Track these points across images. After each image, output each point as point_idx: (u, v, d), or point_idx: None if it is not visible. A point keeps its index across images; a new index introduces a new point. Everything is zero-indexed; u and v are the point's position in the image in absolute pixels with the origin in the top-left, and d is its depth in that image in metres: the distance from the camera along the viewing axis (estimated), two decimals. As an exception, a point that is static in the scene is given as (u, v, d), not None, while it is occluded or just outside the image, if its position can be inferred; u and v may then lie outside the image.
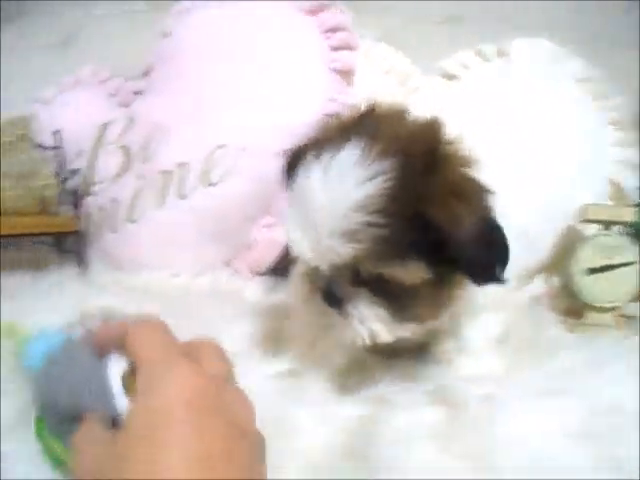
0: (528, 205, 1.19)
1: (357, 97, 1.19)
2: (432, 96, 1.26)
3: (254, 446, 0.43)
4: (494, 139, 1.20)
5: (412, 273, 0.63)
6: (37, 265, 1.12)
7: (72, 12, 1.51)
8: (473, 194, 0.64)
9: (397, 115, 0.68)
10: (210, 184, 1.11)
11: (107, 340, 0.49)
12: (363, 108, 0.68)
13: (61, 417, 0.49)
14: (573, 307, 1.12)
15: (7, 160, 1.14)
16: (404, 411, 0.65)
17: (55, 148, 1.21)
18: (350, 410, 0.67)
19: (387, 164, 0.60)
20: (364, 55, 1.25)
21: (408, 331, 0.67)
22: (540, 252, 1.20)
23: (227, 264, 1.15)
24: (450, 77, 1.28)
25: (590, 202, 1.14)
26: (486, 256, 0.63)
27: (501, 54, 1.28)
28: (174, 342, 0.47)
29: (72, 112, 1.26)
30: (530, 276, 1.22)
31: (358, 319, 0.65)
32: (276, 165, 0.73)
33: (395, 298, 0.65)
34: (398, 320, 0.66)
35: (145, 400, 0.42)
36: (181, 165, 1.13)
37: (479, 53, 1.28)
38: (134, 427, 0.41)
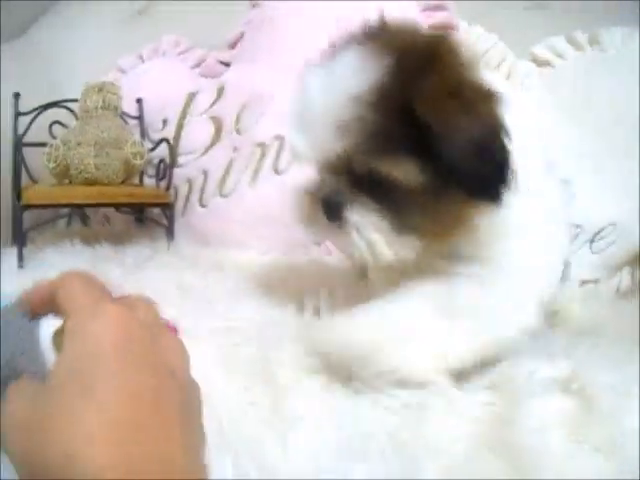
0: (623, 196, 1.17)
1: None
2: (525, 82, 1.24)
3: (184, 389, 0.40)
4: (590, 130, 1.18)
5: (404, 171, 0.60)
6: (124, 237, 1.07)
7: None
8: (473, 97, 0.60)
9: (405, 26, 0.67)
10: (308, 159, 1.07)
11: (39, 301, 0.46)
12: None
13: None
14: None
15: (92, 126, 1.08)
16: (534, 399, 0.61)
17: (138, 117, 1.15)
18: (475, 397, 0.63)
19: (384, 61, 0.60)
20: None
21: (409, 247, 0.64)
22: (631, 245, 1.19)
23: (318, 244, 1.10)
24: (541, 63, 1.25)
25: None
26: (481, 166, 0.58)
27: (593, 42, 1.25)
28: (104, 291, 0.44)
29: (154, 81, 1.21)
30: (619, 268, 1.20)
31: (356, 228, 0.63)
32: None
33: (394, 205, 0.62)
34: (397, 231, 0.63)
35: (72, 345, 0.39)
36: (278, 138, 1.08)
37: (571, 40, 1.26)
38: (60, 374, 0.38)
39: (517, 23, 1.36)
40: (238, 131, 1.12)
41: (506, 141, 0.59)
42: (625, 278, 1.20)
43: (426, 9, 1.13)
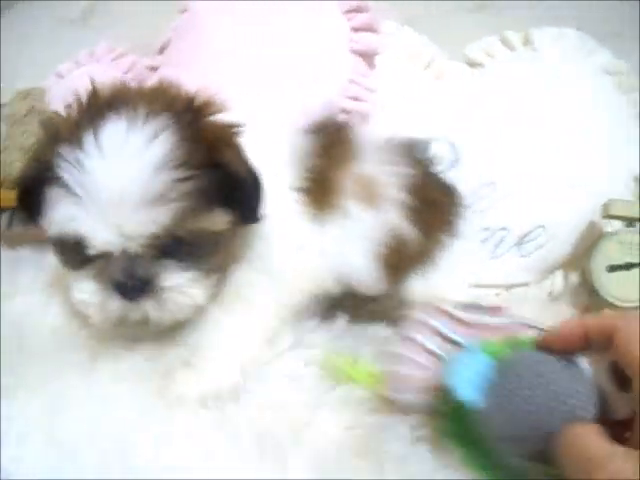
0: (551, 199, 1.16)
1: (379, 81, 1.16)
2: (456, 83, 1.23)
3: None
4: (518, 130, 1.17)
5: (219, 222, 0.65)
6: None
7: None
8: (236, 139, 0.68)
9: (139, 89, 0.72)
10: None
11: (568, 339, 0.50)
12: (87, 93, 0.71)
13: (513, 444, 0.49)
14: (592, 305, 1.09)
15: (19, 132, 1.11)
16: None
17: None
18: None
19: (160, 121, 0.62)
20: (387, 39, 1.21)
21: (214, 284, 0.69)
22: (562, 247, 1.17)
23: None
24: (474, 64, 1.24)
25: (614, 198, 1.11)
26: (257, 195, 0.66)
27: (527, 42, 1.24)
28: None
29: (85, 86, 1.22)
30: (550, 271, 1.19)
31: (175, 290, 0.64)
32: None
33: (199, 254, 0.65)
34: (206, 276, 0.67)
35: None
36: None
37: (504, 41, 1.25)
38: None
39: (457, 25, 1.35)
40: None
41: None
42: (558, 281, 1.19)
43: (349, 11, 1.13)
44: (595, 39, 1.25)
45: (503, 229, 1.15)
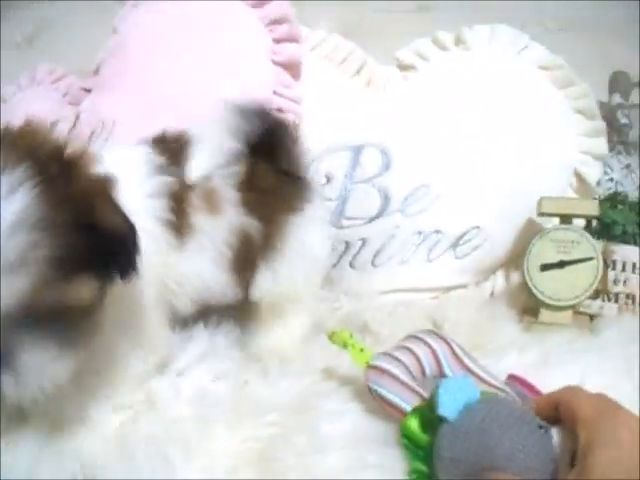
0: (487, 198, 1.15)
1: (305, 90, 1.17)
2: (387, 88, 1.22)
3: None
4: (451, 132, 1.16)
5: (86, 289, 0.57)
6: None
7: (38, 11, 1.52)
8: (110, 192, 0.59)
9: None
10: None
11: (544, 409, 0.57)
12: None
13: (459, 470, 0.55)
14: (530, 304, 1.07)
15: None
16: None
17: (5, 148, 1.20)
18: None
19: (21, 174, 0.52)
20: (316, 46, 1.21)
21: (79, 359, 0.60)
22: (500, 247, 1.16)
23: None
24: (406, 67, 1.24)
25: (547, 195, 1.09)
26: (135, 248, 0.59)
27: (459, 42, 1.23)
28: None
29: (23, 112, 1.25)
30: (491, 271, 1.18)
31: (33, 369, 0.56)
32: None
33: (61, 328, 0.57)
34: (70, 350, 0.58)
35: (601, 452, 0.47)
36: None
37: (436, 42, 1.24)
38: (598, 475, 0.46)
39: (397, 28, 1.35)
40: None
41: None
42: (499, 281, 1.18)
43: (270, 23, 1.13)
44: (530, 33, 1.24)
45: (437, 232, 1.15)
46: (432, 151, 1.16)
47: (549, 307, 1.04)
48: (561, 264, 1.05)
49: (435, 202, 1.15)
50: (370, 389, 0.66)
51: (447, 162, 1.16)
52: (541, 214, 1.09)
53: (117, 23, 1.23)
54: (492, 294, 1.17)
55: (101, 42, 1.29)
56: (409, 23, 1.36)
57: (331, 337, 0.75)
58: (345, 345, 0.73)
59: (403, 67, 1.24)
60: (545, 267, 1.06)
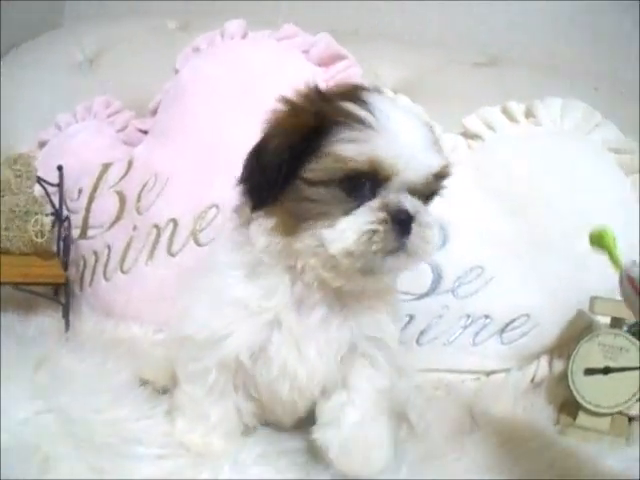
0: (541, 286, 1.11)
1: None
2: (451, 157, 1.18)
3: None
4: (512, 211, 1.13)
5: None
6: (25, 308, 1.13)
7: (102, 28, 1.48)
8: None
9: None
10: (199, 244, 1.08)
11: None
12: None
13: None
14: (567, 404, 1.05)
15: (6, 198, 1.13)
16: None
17: (57, 185, 1.19)
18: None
19: None
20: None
21: None
22: (547, 335, 1.13)
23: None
24: (471, 136, 1.19)
25: (600, 296, 1.06)
26: None
27: (529, 115, 1.17)
28: None
29: (77, 147, 1.24)
30: (535, 356, 1.15)
31: (430, 227, 0.70)
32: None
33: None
34: None
35: None
36: (172, 221, 1.10)
37: (506, 111, 1.18)
38: None
39: (461, 84, 1.29)
40: (138, 210, 1.14)
41: None
42: (542, 368, 1.15)
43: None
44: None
45: (486, 317, 1.12)
46: (490, 231, 1.13)
47: (588, 411, 1.02)
48: (606, 370, 1.02)
49: (487, 285, 1.12)
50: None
51: (504, 244, 1.12)
52: (593, 313, 1.06)
53: (179, 65, 1.19)
54: (533, 380, 1.15)
55: (162, 71, 1.26)
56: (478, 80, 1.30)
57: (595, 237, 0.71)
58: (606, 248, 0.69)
59: (469, 135, 1.19)
60: (589, 371, 1.03)
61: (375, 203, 0.68)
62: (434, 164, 0.70)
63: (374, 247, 0.68)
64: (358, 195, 0.69)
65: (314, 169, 0.68)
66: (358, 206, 0.68)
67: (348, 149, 0.67)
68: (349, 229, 0.68)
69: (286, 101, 0.73)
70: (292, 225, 0.70)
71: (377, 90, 0.74)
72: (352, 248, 0.67)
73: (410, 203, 0.69)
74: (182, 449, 0.78)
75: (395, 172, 0.68)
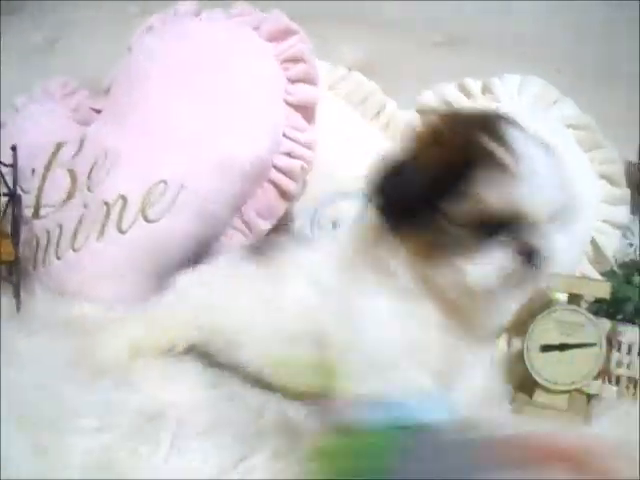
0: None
1: (318, 130, 1.12)
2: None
3: None
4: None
5: None
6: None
7: (61, 12, 1.49)
8: None
9: None
10: (148, 220, 1.08)
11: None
12: None
13: None
14: (526, 381, 1.04)
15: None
16: None
17: (11, 165, 1.19)
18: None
19: None
20: (334, 85, 1.16)
21: None
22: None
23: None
24: (426, 112, 1.18)
25: (564, 262, 1.04)
26: None
27: (486, 91, 1.17)
28: None
29: (31, 128, 1.23)
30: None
31: (549, 260, 0.70)
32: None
33: None
34: None
35: None
36: (122, 197, 1.09)
37: (462, 88, 1.18)
38: None
39: (423, 63, 1.28)
40: (89, 187, 1.13)
41: None
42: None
43: (286, 60, 1.08)
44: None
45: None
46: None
47: (545, 389, 1.00)
48: (562, 347, 1.01)
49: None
50: None
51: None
52: (549, 289, 1.05)
53: (132, 43, 1.19)
54: (491, 359, 1.13)
55: (121, 54, 1.25)
56: (437, 60, 1.29)
57: None
58: None
59: (424, 112, 1.18)
60: (545, 348, 1.02)
61: (511, 243, 0.69)
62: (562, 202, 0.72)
63: (510, 284, 0.70)
64: (495, 234, 0.70)
65: (456, 209, 0.68)
66: (495, 244, 0.70)
67: (492, 194, 0.67)
68: (490, 266, 0.69)
69: (429, 126, 0.74)
70: (429, 256, 0.72)
71: (510, 121, 0.73)
72: (493, 286, 0.70)
73: (540, 242, 0.70)
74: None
75: (535, 219, 0.69)
